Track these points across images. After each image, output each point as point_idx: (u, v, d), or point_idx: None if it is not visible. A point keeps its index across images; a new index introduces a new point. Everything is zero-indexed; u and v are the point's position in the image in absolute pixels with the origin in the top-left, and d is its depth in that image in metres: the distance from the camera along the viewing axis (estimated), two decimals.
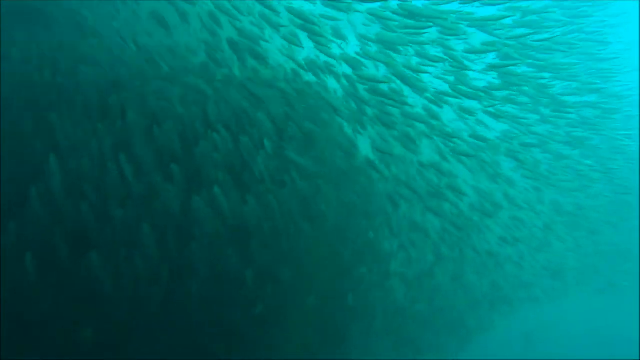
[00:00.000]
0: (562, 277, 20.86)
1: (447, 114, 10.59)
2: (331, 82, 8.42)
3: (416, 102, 9.47)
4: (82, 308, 6.24)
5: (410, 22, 7.83)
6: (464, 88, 9.40)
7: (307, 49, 7.88)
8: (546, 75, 11.94)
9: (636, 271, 23.87)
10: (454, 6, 8.80)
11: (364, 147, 8.91)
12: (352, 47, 8.36)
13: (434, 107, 9.25)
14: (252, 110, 7.17)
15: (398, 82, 8.34)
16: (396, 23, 7.67)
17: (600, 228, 20.08)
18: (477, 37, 9.77)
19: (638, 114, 16.67)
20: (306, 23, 7.09)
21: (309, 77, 8.14)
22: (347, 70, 8.18)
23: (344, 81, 8.17)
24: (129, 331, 6.67)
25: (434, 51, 9.27)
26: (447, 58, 9.06)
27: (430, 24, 8.05)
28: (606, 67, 13.85)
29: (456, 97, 9.55)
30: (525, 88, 11.62)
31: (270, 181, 7.17)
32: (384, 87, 7.96)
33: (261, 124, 7.18)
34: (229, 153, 6.82)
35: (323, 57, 7.87)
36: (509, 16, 9.50)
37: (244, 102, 7.15)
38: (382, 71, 8.84)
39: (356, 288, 9.36)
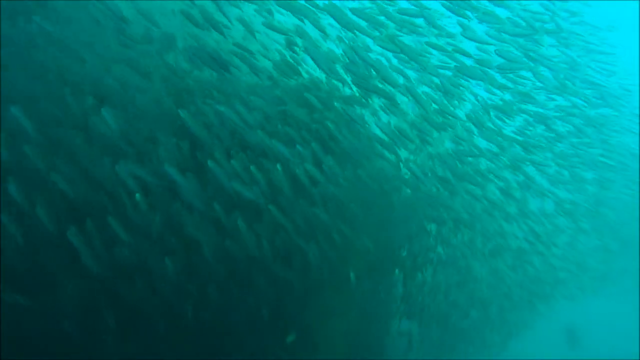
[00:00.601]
0: (592, 275, 19.72)
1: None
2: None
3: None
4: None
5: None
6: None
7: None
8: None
9: None
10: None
11: (377, 131, 8.06)
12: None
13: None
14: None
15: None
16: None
17: (623, 227, 18.79)
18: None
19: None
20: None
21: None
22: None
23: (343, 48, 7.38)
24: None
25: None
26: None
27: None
28: (606, 60, 13.05)
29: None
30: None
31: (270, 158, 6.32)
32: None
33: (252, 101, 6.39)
34: (221, 125, 5.98)
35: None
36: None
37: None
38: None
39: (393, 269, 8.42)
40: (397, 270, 9.33)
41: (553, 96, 11.81)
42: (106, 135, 5.52)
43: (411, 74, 8.75)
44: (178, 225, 6.01)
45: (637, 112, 15.36)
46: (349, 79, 7.60)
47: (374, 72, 7.39)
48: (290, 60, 7.38)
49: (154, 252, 6.07)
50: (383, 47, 7.77)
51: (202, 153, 6.00)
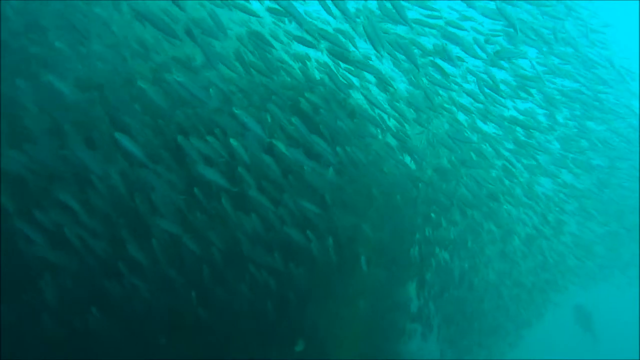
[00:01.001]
0: (600, 263, 18.99)
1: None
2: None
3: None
4: None
5: None
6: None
7: None
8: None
9: None
10: None
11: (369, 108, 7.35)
12: None
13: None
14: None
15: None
16: None
17: (629, 214, 18.03)
18: None
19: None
20: None
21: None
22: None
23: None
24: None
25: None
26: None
27: None
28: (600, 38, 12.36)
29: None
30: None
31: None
32: None
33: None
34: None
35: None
36: None
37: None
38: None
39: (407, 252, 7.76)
40: (411, 253, 8.83)
41: (555, 79, 11.24)
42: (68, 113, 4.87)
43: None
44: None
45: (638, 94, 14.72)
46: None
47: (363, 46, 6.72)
48: (268, 36, 6.67)
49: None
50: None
51: (174, 132, 5.34)
